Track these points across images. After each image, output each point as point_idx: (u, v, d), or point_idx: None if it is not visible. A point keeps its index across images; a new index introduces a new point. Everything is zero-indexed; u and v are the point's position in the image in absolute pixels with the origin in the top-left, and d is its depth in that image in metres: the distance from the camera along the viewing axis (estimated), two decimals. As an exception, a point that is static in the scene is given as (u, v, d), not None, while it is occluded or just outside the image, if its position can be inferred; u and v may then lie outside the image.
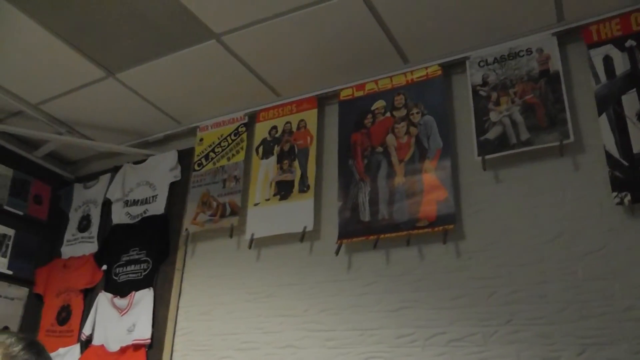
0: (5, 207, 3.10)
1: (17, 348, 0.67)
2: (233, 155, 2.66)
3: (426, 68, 2.30)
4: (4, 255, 3.09)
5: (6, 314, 3.04)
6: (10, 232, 3.14)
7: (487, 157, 2.05)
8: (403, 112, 2.29)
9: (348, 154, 2.35)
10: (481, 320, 1.90)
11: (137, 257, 2.83)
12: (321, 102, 2.55)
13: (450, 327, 1.95)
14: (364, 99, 2.41)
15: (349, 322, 2.14)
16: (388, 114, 2.33)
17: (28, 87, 2.77)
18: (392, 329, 2.05)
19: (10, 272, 3.06)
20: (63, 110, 2.94)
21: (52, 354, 2.91)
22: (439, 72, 2.27)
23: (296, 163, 2.46)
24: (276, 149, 2.56)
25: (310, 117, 2.51)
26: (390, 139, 2.28)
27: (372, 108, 2.37)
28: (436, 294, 2.02)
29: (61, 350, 2.91)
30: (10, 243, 3.13)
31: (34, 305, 3.18)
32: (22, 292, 3.16)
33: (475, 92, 2.17)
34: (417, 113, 2.26)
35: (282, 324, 2.29)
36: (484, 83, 2.16)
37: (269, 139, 2.60)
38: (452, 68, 2.31)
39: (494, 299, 1.91)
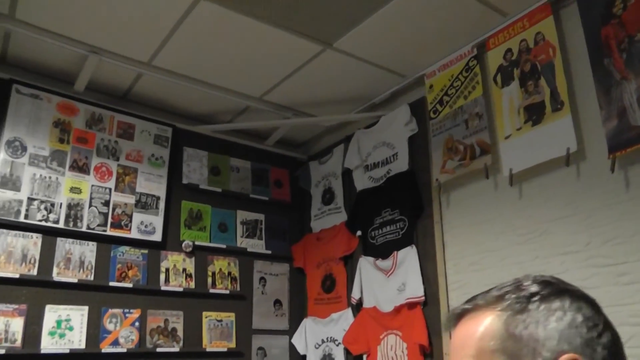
0: (252, 196, 3.41)
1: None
2: (469, 92, 2.48)
3: None
4: (259, 238, 3.41)
5: (275, 288, 3.38)
6: (260, 217, 3.46)
7: None
8: (664, -17, 1.86)
9: (601, 53, 1.99)
10: None
11: (390, 217, 2.86)
12: (555, 7, 2.21)
13: None
14: (608, -14, 2.02)
15: (641, 250, 1.83)
16: (644, -7, 1.91)
17: (249, 82, 2.94)
18: (696, 252, 1.70)
19: (269, 252, 3.39)
20: (285, 95, 3.07)
21: (325, 320, 3.19)
22: None
23: (542, 81, 2.19)
24: (516, 72, 2.30)
25: (547, 27, 2.19)
26: (652, 20, 1.87)
27: (621, -7, 1.98)
28: None
29: (334, 315, 3.12)
30: (263, 227, 3.45)
31: (297, 278, 3.47)
32: (283, 268, 3.47)
33: None
34: (685, -20, 1.81)
35: (563, 263, 2.06)
36: None
37: (505, 64, 2.36)
38: None
39: None
